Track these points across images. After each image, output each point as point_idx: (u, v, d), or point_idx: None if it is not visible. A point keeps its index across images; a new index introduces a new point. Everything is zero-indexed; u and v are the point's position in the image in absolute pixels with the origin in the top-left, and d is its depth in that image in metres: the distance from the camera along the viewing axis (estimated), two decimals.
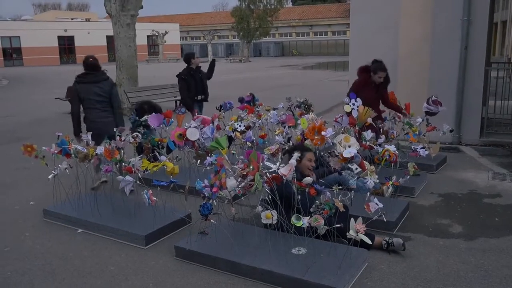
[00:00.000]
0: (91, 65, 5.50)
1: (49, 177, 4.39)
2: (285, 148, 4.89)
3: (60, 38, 47.13)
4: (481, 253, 3.66)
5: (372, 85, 5.76)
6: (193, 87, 7.60)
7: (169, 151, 5.11)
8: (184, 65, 7.82)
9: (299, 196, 3.43)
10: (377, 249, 3.67)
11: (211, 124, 5.30)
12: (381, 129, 5.54)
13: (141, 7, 12.11)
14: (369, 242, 3.49)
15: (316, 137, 4.59)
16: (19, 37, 44.82)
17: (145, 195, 3.85)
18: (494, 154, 6.77)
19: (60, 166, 4.45)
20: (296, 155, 3.73)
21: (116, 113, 5.61)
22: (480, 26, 6.94)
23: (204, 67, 7.91)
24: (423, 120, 5.83)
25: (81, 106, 5.50)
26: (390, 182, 4.31)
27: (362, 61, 5.90)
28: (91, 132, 4.93)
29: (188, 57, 7.79)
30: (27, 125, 10.61)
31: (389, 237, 3.71)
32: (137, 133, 5.10)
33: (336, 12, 60.32)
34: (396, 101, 6.04)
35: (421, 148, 5.03)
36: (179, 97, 9.65)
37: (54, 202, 4.67)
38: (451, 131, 5.94)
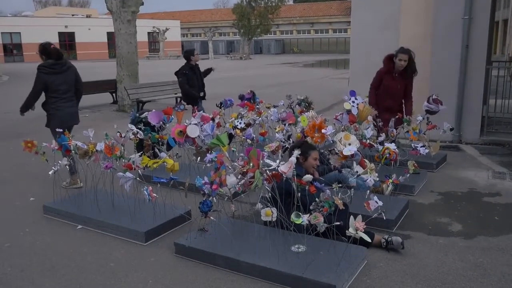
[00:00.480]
0: (56, 53, 5.21)
1: (50, 173, 4.39)
2: (285, 146, 4.89)
3: (60, 34, 46.97)
4: (480, 251, 3.67)
5: (395, 74, 5.71)
6: (195, 81, 7.63)
7: (169, 148, 5.12)
8: (184, 62, 7.85)
9: (299, 194, 3.43)
10: (376, 247, 3.68)
11: (211, 121, 5.30)
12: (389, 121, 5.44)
13: (142, 4, 12.10)
14: (369, 240, 3.48)
15: (316, 135, 4.59)
16: (19, 33, 44.74)
17: (145, 191, 3.86)
18: (494, 153, 6.77)
19: (60, 162, 4.46)
20: (296, 152, 3.73)
21: (78, 93, 5.52)
22: (481, 24, 6.92)
23: (202, 66, 7.96)
24: (423, 118, 5.82)
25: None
26: (390, 180, 4.31)
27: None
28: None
29: (187, 54, 7.82)
30: (27, 121, 10.56)
31: (388, 236, 3.71)
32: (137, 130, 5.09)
33: (337, 9, 60.24)
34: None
35: (421, 147, 5.02)
36: (180, 94, 9.66)
37: (54, 198, 4.68)
38: (451, 129, 5.94)
